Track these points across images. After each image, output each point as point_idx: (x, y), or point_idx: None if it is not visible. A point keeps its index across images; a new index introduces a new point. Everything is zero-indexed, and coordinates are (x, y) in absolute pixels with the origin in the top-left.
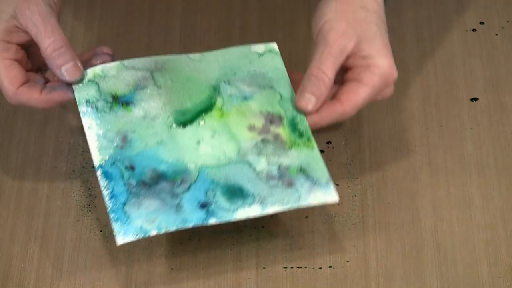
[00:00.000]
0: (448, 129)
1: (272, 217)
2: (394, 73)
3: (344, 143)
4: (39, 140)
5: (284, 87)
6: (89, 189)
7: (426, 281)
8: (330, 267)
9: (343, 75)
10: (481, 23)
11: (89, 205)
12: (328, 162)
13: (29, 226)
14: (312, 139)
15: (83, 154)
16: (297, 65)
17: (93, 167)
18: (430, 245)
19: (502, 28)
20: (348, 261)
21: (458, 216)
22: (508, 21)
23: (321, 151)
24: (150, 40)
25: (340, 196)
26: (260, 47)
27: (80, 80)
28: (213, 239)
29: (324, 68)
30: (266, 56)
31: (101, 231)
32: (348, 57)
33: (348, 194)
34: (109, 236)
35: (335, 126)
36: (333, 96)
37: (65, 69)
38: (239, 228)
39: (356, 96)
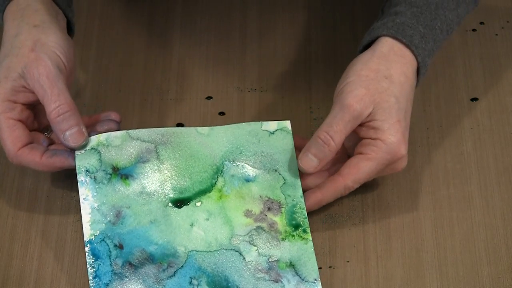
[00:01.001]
0: (448, 129)
1: None
2: (402, 150)
3: None
4: None
5: (289, 171)
6: None
7: (426, 281)
8: (330, 267)
9: (355, 142)
10: (481, 23)
11: None
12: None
13: (29, 226)
14: (308, 231)
15: None
16: (297, 66)
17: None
18: (430, 245)
19: (502, 28)
20: (348, 261)
21: (458, 216)
22: (508, 21)
23: None
24: (150, 40)
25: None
26: (272, 125)
27: (83, 146)
28: None
29: (332, 133)
30: (277, 135)
31: None
32: (360, 125)
33: (348, 194)
34: None
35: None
36: (337, 170)
37: (69, 134)
38: None
39: (357, 170)
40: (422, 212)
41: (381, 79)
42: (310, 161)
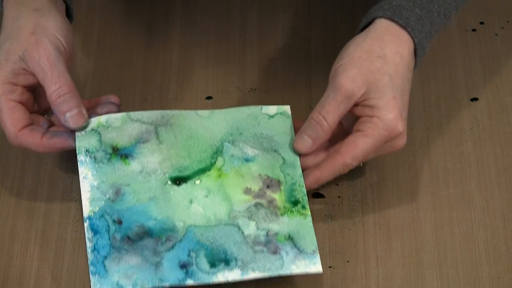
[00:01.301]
0: (448, 129)
1: None
2: (399, 127)
3: None
4: None
5: (288, 151)
6: None
7: (426, 281)
8: (330, 267)
9: (354, 122)
10: (481, 23)
11: None
12: None
13: (29, 226)
14: (307, 207)
15: None
16: (297, 66)
17: None
18: (430, 245)
19: (502, 28)
20: (348, 261)
21: (458, 216)
22: (508, 21)
23: None
24: (150, 40)
25: (340, 196)
26: (272, 109)
27: (84, 128)
28: None
29: (324, 113)
30: (277, 118)
31: None
32: (356, 105)
33: (348, 194)
34: None
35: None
36: (335, 148)
37: (69, 116)
38: None
39: (355, 147)
40: (422, 212)
41: (375, 59)
42: (304, 142)
